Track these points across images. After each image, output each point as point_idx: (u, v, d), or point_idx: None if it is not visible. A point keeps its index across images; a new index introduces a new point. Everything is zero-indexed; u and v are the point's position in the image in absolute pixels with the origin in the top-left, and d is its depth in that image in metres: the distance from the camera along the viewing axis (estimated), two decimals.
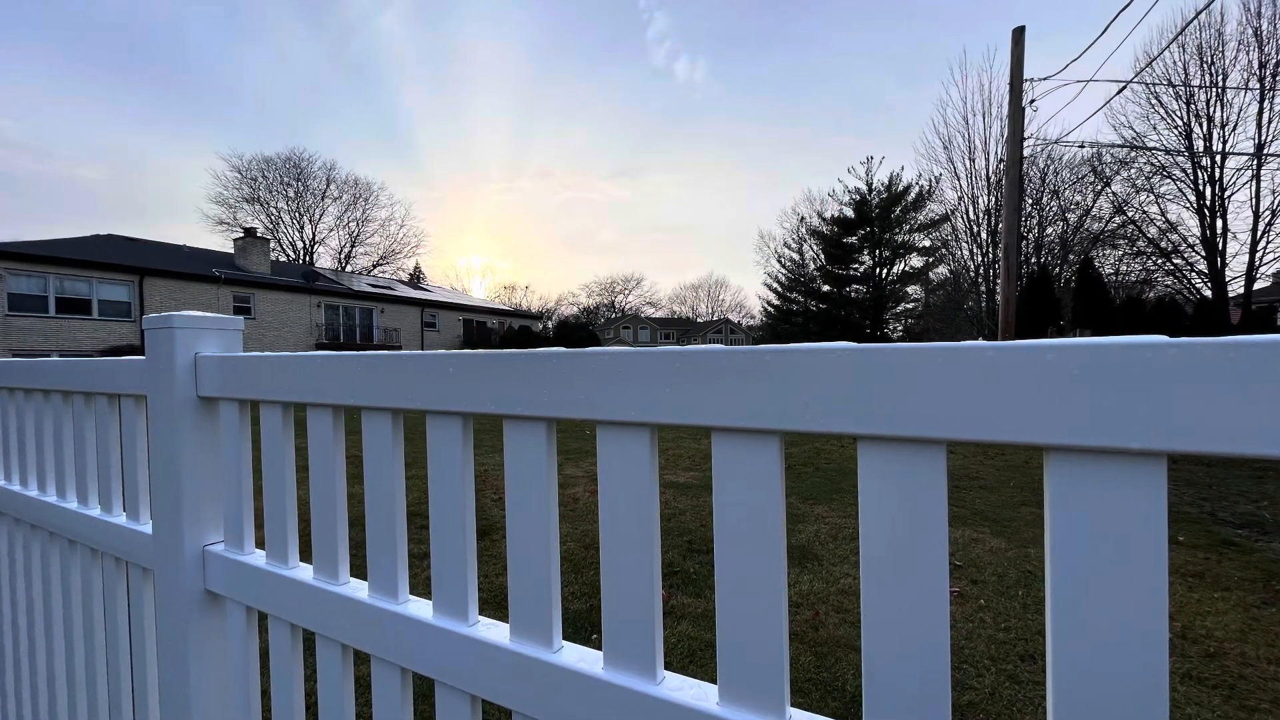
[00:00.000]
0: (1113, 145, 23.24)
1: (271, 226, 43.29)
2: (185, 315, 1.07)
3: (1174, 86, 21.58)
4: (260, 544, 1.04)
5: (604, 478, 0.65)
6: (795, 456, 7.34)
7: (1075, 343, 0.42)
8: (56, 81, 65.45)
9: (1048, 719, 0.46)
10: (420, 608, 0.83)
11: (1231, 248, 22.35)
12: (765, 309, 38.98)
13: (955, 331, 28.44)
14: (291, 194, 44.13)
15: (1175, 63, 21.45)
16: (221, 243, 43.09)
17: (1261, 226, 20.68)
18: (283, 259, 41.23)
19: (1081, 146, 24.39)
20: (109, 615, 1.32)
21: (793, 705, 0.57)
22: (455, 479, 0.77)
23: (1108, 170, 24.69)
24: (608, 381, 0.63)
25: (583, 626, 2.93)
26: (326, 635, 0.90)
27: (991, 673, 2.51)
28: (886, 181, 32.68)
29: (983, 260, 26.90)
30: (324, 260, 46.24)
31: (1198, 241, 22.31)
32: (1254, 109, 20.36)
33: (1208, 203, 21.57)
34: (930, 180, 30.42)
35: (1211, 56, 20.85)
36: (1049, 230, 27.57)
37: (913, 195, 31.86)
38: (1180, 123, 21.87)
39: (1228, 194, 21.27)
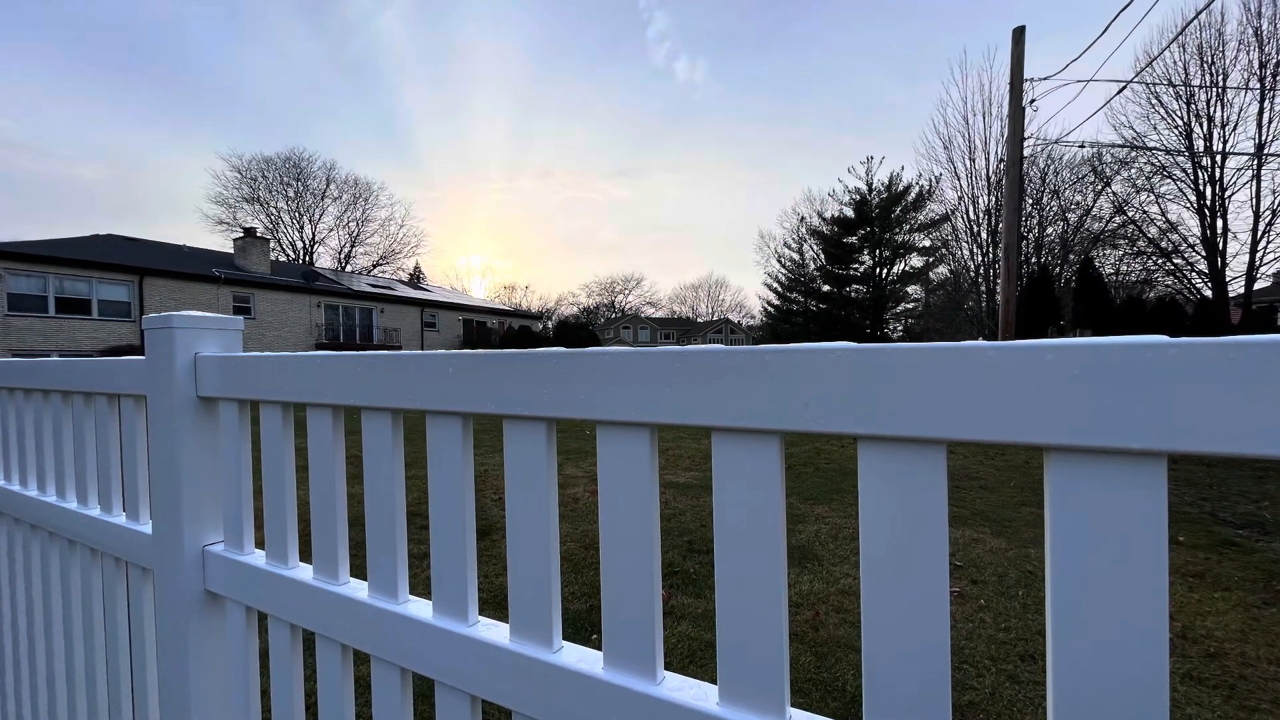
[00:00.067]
0: (1113, 145, 23.27)
1: (271, 226, 43.34)
2: (185, 315, 1.07)
3: (1174, 86, 21.58)
4: (260, 544, 1.04)
5: (604, 478, 0.65)
6: (795, 456, 7.34)
7: (1075, 343, 0.42)
8: (56, 81, 65.60)
9: (1048, 719, 0.46)
10: (420, 608, 0.83)
11: (1232, 248, 22.39)
12: (765, 309, 39.00)
13: (955, 331, 28.43)
14: (291, 194, 44.18)
15: (1175, 62, 21.48)
16: (221, 243, 43.19)
17: (1262, 226, 20.69)
18: (282, 259, 41.23)
19: (1082, 146, 24.43)
20: (109, 615, 1.32)
21: (793, 705, 0.57)
22: (455, 479, 0.77)
23: (1108, 170, 24.70)
24: (608, 381, 0.63)
25: (583, 626, 2.93)
26: (326, 635, 0.90)
27: (992, 673, 2.51)
28: (886, 181, 32.71)
29: (983, 260, 26.91)
30: (324, 260, 46.31)
31: (1198, 241, 22.32)
32: (1254, 109, 20.38)
33: (1208, 203, 21.57)
34: (930, 180, 30.46)
35: (1212, 56, 20.86)
36: (1049, 230, 27.60)
37: (913, 195, 31.87)
38: (1180, 123, 21.89)
39: (1228, 194, 21.28)
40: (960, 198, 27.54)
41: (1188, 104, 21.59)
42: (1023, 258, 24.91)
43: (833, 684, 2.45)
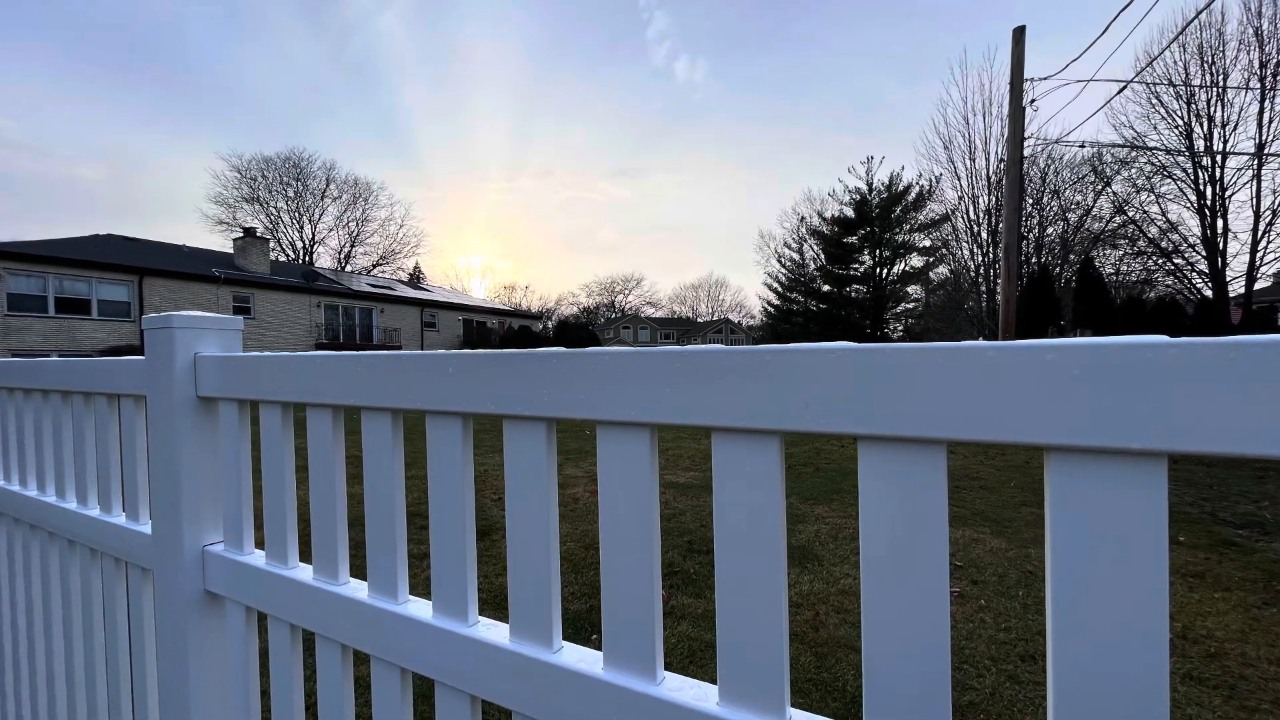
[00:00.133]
0: (1113, 145, 23.26)
1: (271, 226, 43.34)
2: (185, 315, 1.06)
3: (1174, 86, 21.58)
4: (260, 544, 1.04)
5: (604, 478, 0.65)
6: (795, 456, 7.34)
7: (1075, 343, 0.42)
8: (56, 81, 65.60)
9: (1048, 719, 0.46)
10: (420, 608, 0.83)
11: (1232, 248, 22.39)
12: (765, 309, 39.02)
13: (955, 331, 28.43)
14: (291, 194, 44.18)
15: (1176, 62, 21.47)
16: (221, 243, 43.16)
17: (1262, 226, 20.68)
18: (282, 259, 41.23)
19: (1082, 146, 24.42)
20: (108, 615, 1.32)
21: (793, 705, 0.57)
22: (455, 479, 0.77)
23: (1108, 170, 24.70)
24: (608, 381, 0.63)
25: (583, 626, 2.93)
26: (326, 635, 0.90)
27: (992, 673, 2.51)
28: (887, 181, 32.74)
29: (983, 260, 26.90)
30: (324, 260, 46.31)
31: (1198, 241, 22.32)
32: (1254, 109, 20.37)
33: (1208, 202, 21.57)
34: (930, 180, 30.47)
35: (1212, 56, 20.86)
36: (1049, 230, 27.59)
37: (913, 195, 31.90)
38: (1181, 122, 21.88)
39: (1228, 194, 21.28)
40: (960, 198, 27.57)
41: (1188, 104, 21.59)
42: (1023, 258, 24.91)
43: (833, 684, 2.45)
